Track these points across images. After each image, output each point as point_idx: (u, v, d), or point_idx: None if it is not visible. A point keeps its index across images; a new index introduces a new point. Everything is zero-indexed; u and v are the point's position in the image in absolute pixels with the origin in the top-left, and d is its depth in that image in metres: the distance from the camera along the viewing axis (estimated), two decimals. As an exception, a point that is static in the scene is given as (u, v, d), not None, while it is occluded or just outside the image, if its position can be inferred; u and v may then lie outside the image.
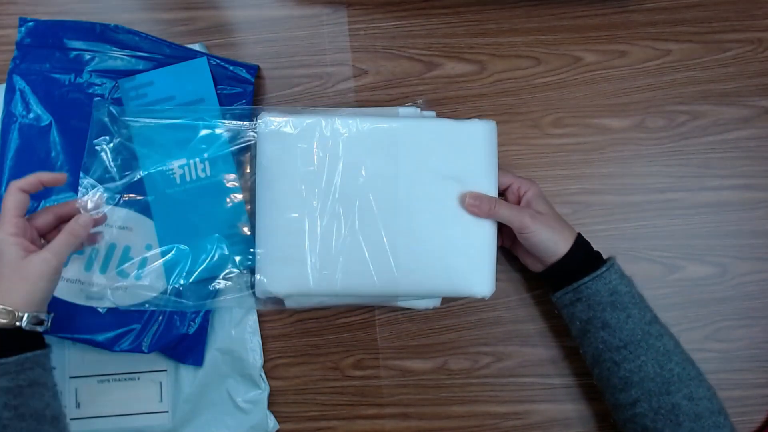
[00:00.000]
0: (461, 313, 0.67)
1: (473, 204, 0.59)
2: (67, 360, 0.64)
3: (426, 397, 0.67)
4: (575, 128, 0.69)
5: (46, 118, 0.63)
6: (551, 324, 0.67)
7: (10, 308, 0.51)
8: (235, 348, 0.65)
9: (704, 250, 0.68)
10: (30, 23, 0.64)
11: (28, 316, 0.51)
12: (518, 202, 0.62)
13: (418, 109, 0.64)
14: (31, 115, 0.63)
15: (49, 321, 0.54)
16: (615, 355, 0.57)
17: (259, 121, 0.61)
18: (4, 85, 0.64)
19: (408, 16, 0.69)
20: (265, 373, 0.66)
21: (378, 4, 0.69)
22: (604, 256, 0.61)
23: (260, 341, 0.65)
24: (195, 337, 0.63)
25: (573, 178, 0.68)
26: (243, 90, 0.66)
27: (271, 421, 0.65)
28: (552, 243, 0.59)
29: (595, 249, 0.61)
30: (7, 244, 0.52)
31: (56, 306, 0.60)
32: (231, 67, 0.65)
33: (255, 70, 0.67)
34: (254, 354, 0.65)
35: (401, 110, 0.64)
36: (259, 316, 0.66)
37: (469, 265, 0.60)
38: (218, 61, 0.65)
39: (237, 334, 0.65)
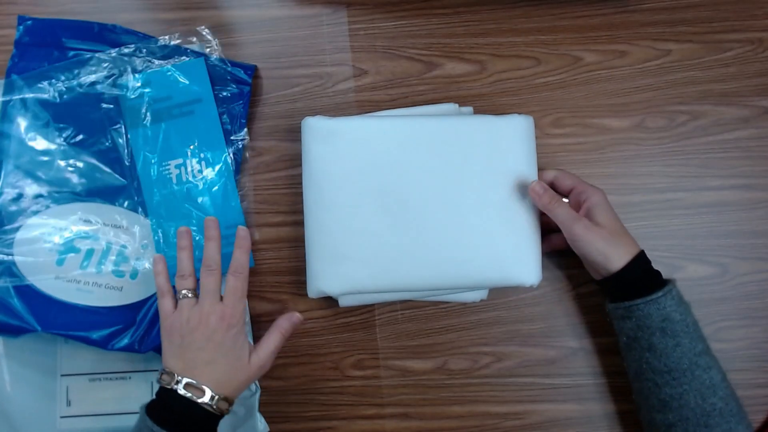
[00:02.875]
0: (461, 313, 0.66)
1: (537, 192, 0.58)
2: (59, 357, 0.62)
3: (426, 397, 0.65)
4: (575, 128, 0.67)
5: (44, 117, 0.62)
6: (551, 324, 0.66)
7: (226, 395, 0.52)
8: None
9: (704, 250, 0.67)
10: (28, 22, 0.63)
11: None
12: (578, 208, 0.59)
13: (456, 105, 0.64)
14: (29, 114, 0.62)
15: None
16: (657, 378, 0.54)
17: (303, 124, 0.61)
18: (2, 82, 0.63)
19: (408, 16, 0.68)
20: (266, 373, 0.65)
21: (378, 4, 0.68)
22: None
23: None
24: (190, 336, 0.62)
25: (573, 178, 0.67)
26: (240, 91, 0.64)
27: (261, 424, 0.63)
28: (602, 257, 0.56)
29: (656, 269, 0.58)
30: (243, 340, 0.54)
31: (51, 304, 0.60)
32: (229, 68, 0.64)
33: (252, 71, 0.65)
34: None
35: (440, 107, 0.64)
36: (259, 316, 0.65)
37: (516, 255, 0.60)
38: (216, 62, 0.64)
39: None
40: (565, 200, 0.61)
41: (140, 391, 0.63)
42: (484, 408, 0.65)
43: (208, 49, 0.65)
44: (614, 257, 0.56)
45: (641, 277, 0.56)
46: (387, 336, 0.65)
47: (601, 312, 0.62)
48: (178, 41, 0.64)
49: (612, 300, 0.58)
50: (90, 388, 0.63)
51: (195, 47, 0.65)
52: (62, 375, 0.63)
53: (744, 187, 0.67)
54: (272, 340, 0.56)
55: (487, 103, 0.67)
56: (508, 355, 0.65)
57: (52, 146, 0.62)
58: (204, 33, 0.65)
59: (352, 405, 0.65)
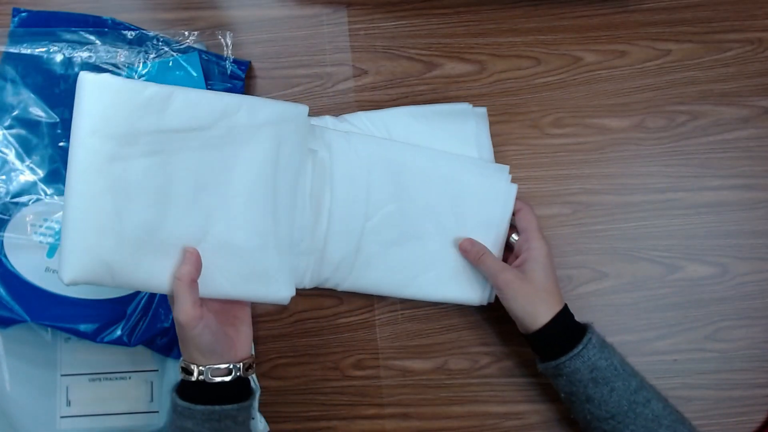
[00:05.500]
0: (461, 313, 0.65)
1: (466, 249, 0.60)
2: (59, 357, 0.62)
3: (426, 397, 0.65)
4: (575, 128, 0.67)
5: (38, 109, 0.62)
6: (551, 324, 0.66)
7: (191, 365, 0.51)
8: (227, 350, 0.63)
9: (704, 250, 0.66)
10: (23, 14, 0.63)
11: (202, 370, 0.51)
12: (520, 254, 0.59)
13: (470, 105, 0.64)
14: (22, 106, 0.62)
15: (240, 368, 0.52)
16: (603, 425, 0.54)
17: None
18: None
19: (408, 16, 0.68)
20: (265, 373, 0.64)
21: (378, 4, 0.68)
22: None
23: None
24: (179, 330, 0.62)
25: (573, 178, 0.66)
26: (233, 86, 0.64)
27: (261, 423, 0.62)
28: (525, 314, 0.56)
29: (579, 321, 0.57)
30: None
31: (41, 295, 0.59)
32: (222, 63, 0.64)
33: (246, 66, 0.65)
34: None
35: (453, 107, 0.64)
36: (259, 316, 0.64)
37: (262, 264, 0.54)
38: (210, 57, 0.64)
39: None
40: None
41: (140, 391, 0.62)
42: (484, 408, 0.65)
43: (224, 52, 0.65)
44: (538, 315, 0.55)
45: (562, 332, 0.55)
46: (387, 336, 0.65)
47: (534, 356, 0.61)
48: (190, 40, 0.64)
49: (542, 360, 0.58)
50: (90, 388, 0.62)
51: (196, 46, 0.64)
52: (62, 375, 0.62)
53: (744, 187, 0.67)
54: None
55: (487, 103, 0.66)
56: (508, 355, 0.65)
57: (44, 138, 0.62)
58: (219, 36, 0.65)
59: (352, 405, 0.65)
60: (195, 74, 0.63)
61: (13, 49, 0.62)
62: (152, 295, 0.61)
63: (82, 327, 0.59)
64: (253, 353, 0.56)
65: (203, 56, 0.63)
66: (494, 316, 0.65)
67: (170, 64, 0.63)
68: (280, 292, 0.55)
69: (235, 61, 0.64)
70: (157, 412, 0.62)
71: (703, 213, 0.66)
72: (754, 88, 0.67)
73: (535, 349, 0.59)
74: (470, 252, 0.60)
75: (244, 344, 0.54)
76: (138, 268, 0.49)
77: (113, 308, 0.61)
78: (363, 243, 0.60)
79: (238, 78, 0.64)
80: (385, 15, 0.68)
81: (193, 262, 0.49)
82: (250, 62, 0.66)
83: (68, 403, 0.62)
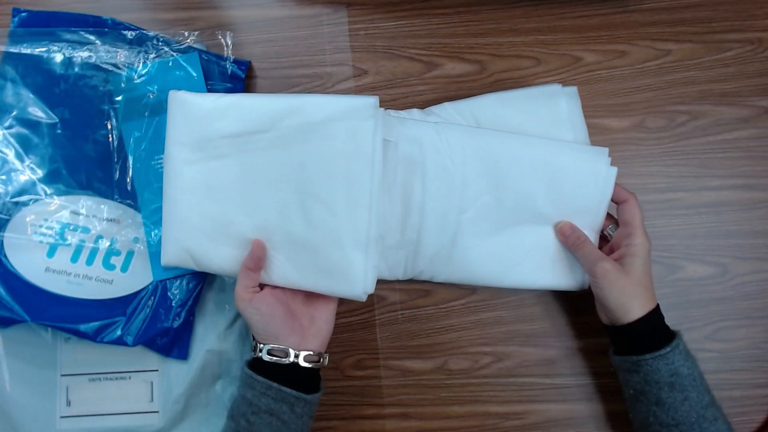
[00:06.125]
0: (461, 313, 0.65)
1: (566, 233, 0.59)
2: (59, 357, 0.62)
3: (426, 397, 0.65)
4: (575, 128, 0.67)
5: (38, 109, 0.62)
6: (551, 324, 0.65)
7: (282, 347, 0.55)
8: (226, 349, 0.62)
9: (704, 250, 0.66)
10: (23, 14, 0.63)
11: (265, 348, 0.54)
12: (617, 246, 0.58)
13: (560, 85, 0.62)
14: (22, 106, 0.61)
15: (299, 356, 0.54)
16: (665, 430, 0.54)
17: None
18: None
19: (408, 16, 0.68)
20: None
21: (378, 4, 0.68)
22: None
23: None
24: (180, 331, 0.61)
25: (573, 178, 0.67)
26: (233, 86, 0.64)
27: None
28: (618, 306, 0.55)
29: (669, 326, 0.57)
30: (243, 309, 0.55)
31: (41, 295, 0.59)
32: (222, 63, 0.64)
33: (246, 66, 0.65)
34: (245, 356, 0.63)
35: (542, 89, 0.62)
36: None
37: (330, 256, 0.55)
38: (210, 57, 0.63)
39: (228, 336, 0.63)
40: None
41: (140, 391, 0.62)
42: (484, 408, 0.65)
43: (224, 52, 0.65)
44: (631, 309, 0.55)
45: (652, 331, 0.55)
46: (387, 336, 0.65)
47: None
48: (190, 40, 0.64)
49: (617, 351, 0.57)
50: (90, 388, 0.62)
51: (196, 46, 0.64)
52: (62, 375, 0.62)
53: (744, 187, 0.67)
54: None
55: (487, 103, 0.66)
56: (508, 355, 0.65)
57: (44, 138, 0.62)
58: (219, 36, 0.65)
59: (352, 405, 0.65)
60: (195, 74, 0.63)
61: (13, 49, 0.62)
62: (152, 296, 0.61)
63: (82, 327, 0.59)
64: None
65: (203, 56, 0.63)
66: (494, 316, 0.65)
67: (170, 64, 0.63)
68: (352, 287, 0.55)
69: (235, 61, 0.64)
70: (157, 412, 0.62)
71: (703, 213, 0.66)
72: (754, 88, 0.67)
73: (614, 340, 0.58)
74: (569, 237, 0.59)
75: (314, 336, 0.56)
76: (213, 255, 0.57)
77: (113, 308, 0.61)
78: (458, 236, 0.59)
79: (238, 78, 0.64)
80: (385, 15, 0.68)
81: (251, 253, 0.55)
82: (250, 62, 0.66)
83: (68, 403, 0.62)
